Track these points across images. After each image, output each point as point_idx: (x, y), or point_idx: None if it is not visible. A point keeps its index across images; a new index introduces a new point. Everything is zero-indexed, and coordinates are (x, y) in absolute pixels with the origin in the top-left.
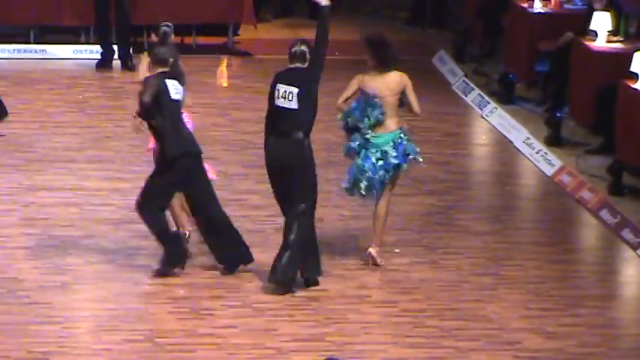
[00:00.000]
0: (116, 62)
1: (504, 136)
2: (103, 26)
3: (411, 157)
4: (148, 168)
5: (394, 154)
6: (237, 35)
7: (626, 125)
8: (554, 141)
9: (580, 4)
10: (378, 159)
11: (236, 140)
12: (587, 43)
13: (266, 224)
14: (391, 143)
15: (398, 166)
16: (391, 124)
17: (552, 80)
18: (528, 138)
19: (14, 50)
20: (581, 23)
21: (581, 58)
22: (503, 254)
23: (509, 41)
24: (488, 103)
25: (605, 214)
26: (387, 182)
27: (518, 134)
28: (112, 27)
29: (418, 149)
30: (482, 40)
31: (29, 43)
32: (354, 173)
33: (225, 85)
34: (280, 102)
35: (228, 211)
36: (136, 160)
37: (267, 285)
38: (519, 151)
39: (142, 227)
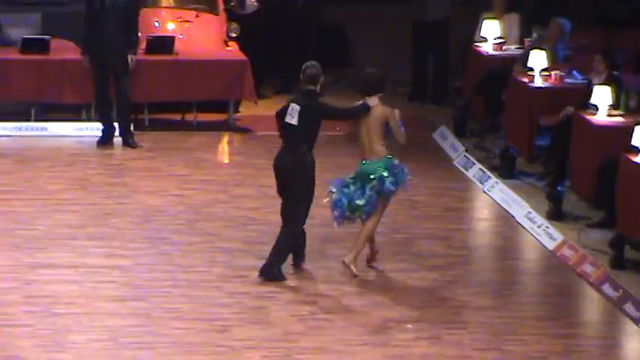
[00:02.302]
0: (117, 139)
1: (506, 211)
2: (103, 104)
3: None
4: (148, 245)
5: (391, 179)
6: (238, 112)
7: (627, 199)
8: (555, 215)
9: (580, 78)
10: (373, 186)
11: (237, 216)
12: (587, 117)
13: (268, 300)
14: (384, 171)
15: (391, 191)
16: (379, 150)
17: (553, 154)
18: (530, 212)
19: (15, 128)
20: (581, 97)
21: (582, 132)
22: (505, 329)
23: (510, 116)
24: (490, 177)
25: (607, 287)
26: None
27: (520, 208)
28: (112, 104)
29: (410, 176)
30: (482, 115)
31: (30, 120)
32: (343, 206)
33: (226, 161)
34: (287, 119)
35: (229, 287)
36: (137, 237)
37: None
38: (521, 225)
39: (144, 304)
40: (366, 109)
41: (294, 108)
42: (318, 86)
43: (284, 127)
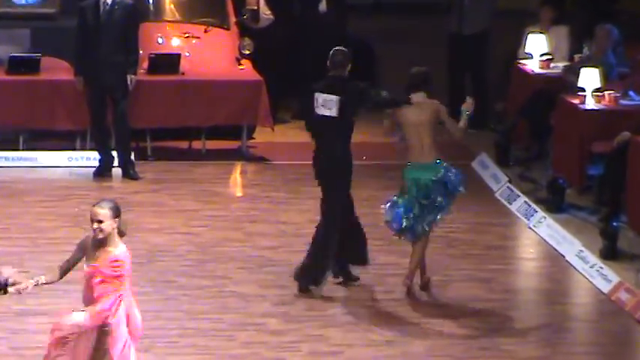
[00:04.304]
0: (116, 170)
1: (554, 249)
2: (100, 130)
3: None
4: (152, 289)
5: (439, 198)
6: (252, 139)
7: None
8: (610, 254)
9: (638, 99)
10: (422, 204)
11: (252, 257)
12: None
13: (286, 351)
14: (434, 183)
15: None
16: (430, 152)
17: (607, 185)
18: (581, 251)
19: (1, 158)
20: (638, 121)
21: None
22: None
23: (558, 142)
24: (536, 211)
25: None
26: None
27: (570, 246)
28: (110, 131)
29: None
30: (528, 142)
31: (18, 149)
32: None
33: (239, 194)
34: (321, 110)
35: (243, 337)
36: (139, 280)
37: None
38: (571, 265)
39: (147, 356)
40: (408, 102)
41: (330, 99)
42: (346, 73)
43: (315, 122)
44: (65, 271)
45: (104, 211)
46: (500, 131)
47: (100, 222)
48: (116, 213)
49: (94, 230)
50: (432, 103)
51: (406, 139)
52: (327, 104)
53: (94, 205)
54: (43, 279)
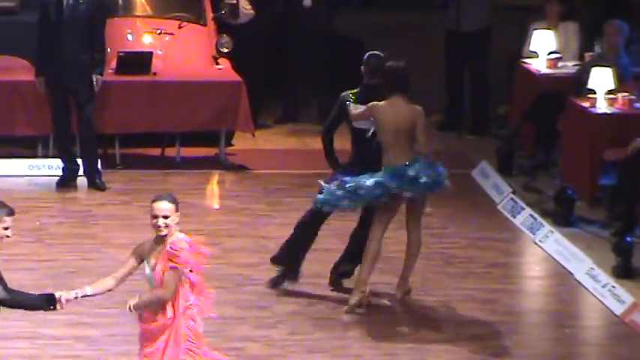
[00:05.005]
0: (81, 180)
1: (562, 267)
2: (63, 136)
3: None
4: (120, 311)
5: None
6: (231, 145)
7: None
8: (624, 272)
9: None
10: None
11: (230, 275)
12: None
13: None
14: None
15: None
16: (397, 158)
17: (621, 196)
18: (592, 268)
19: None
20: None
21: None
22: None
23: (566, 149)
24: (542, 225)
25: None
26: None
27: (580, 264)
28: (74, 137)
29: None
30: (533, 149)
31: None
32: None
33: (216, 206)
34: (364, 125)
35: None
36: (106, 301)
37: None
38: (581, 284)
39: None
40: None
41: None
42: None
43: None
44: (121, 279)
45: (170, 206)
46: (503, 137)
47: (166, 217)
48: (177, 206)
49: (159, 226)
50: (411, 107)
51: (381, 140)
52: None
53: (154, 201)
54: (88, 290)
